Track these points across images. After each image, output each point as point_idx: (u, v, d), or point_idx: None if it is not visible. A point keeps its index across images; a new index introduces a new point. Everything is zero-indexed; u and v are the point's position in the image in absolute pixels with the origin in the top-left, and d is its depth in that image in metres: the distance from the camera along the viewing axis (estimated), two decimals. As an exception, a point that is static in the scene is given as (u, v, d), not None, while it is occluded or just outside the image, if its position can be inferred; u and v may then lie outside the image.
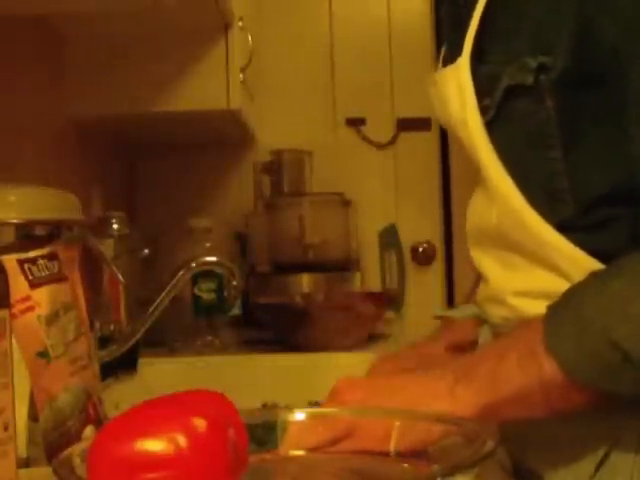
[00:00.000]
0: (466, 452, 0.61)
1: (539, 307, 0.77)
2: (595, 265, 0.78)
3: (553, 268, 0.81)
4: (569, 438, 0.82)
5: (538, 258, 0.82)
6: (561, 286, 0.78)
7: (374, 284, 2.23)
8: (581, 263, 0.78)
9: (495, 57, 0.82)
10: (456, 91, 0.86)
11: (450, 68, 0.88)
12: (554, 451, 0.83)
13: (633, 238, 0.77)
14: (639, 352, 0.70)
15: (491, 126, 0.83)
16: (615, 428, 0.79)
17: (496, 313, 0.89)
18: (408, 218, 2.29)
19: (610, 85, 0.76)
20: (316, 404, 0.97)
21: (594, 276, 0.76)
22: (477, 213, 0.91)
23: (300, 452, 0.71)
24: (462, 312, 1.07)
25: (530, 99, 0.79)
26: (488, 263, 0.90)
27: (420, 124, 2.30)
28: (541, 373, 0.73)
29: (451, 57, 0.89)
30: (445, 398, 0.75)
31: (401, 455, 0.69)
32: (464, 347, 1.03)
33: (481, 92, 0.83)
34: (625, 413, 0.78)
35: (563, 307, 0.75)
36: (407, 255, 2.29)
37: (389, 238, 2.25)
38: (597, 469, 0.79)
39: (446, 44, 0.95)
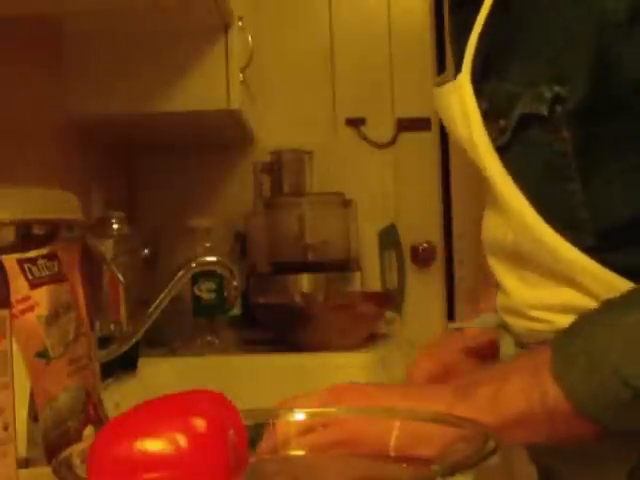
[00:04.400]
0: (466, 452, 0.61)
1: (560, 319, 0.76)
2: (617, 280, 0.77)
3: (573, 284, 0.79)
4: (598, 450, 0.79)
5: (557, 275, 0.80)
6: (582, 301, 0.77)
7: (374, 284, 2.23)
8: (602, 278, 0.77)
9: (514, 77, 0.80)
10: (460, 111, 0.84)
11: (451, 85, 0.87)
12: (583, 462, 0.82)
13: None
14: None
15: (507, 150, 0.81)
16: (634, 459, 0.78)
17: (518, 324, 0.88)
18: (408, 218, 2.29)
19: (629, 115, 0.74)
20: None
21: (607, 306, 0.74)
22: (492, 228, 0.90)
23: (300, 452, 0.71)
24: (483, 322, 1.04)
25: (545, 129, 0.77)
26: (506, 275, 0.89)
27: (420, 124, 2.30)
28: (545, 399, 0.72)
29: (455, 72, 0.88)
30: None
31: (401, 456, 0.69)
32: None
33: (497, 111, 0.81)
34: None
35: (573, 335, 0.74)
36: (407, 255, 2.29)
37: (389, 238, 2.25)
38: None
39: (452, 55, 0.93)
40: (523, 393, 0.73)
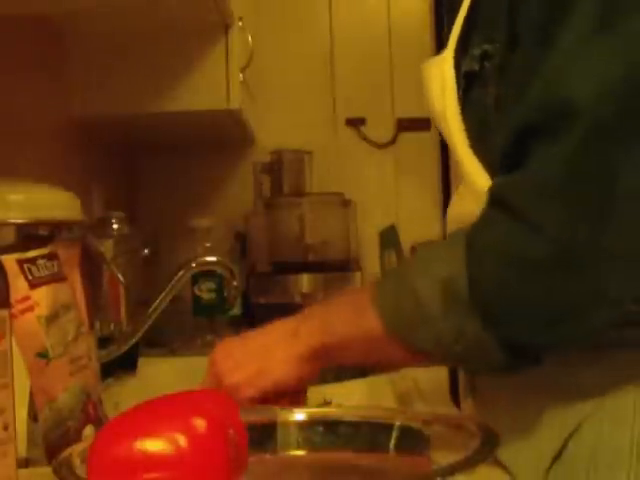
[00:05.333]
0: (466, 452, 0.61)
1: None
2: None
3: None
4: (528, 427, 0.83)
5: None
6: None
7: (374, 284, 2.22)
8: None
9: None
10: (439, 83, 0.88)
11: (434, 60, 0.91)
12: (513, 439, 0.84)
13: None
14: (435, 308, 0.76)
15: (462, 115, 0.86)
16: (572, 419, 0.80)
17: None
18: (408, 218, 2.29)
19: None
20: (325, 404, 0.99)
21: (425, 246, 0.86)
22: (456, 207, 0.94)
23: (300, 452, 0.71)
24: None
25: (479, 85, 0.83)
26: None
27: (420, 124, 2.29)
28: (364, 322, 0.82)
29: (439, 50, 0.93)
30: (290, 339, 0.87)
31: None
32: None
33: (457, 87, 0.87)
34: (583, 403, 0.79)
35: (391, 270, 0.85)
36: (407, 255, 2.29)
37: (389, 238, 2.24)
38: (554, 460, 0.80)
39: (442, 35, 0.98)
40: (347, 316, 0.84)
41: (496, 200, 0.75)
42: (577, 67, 0.71)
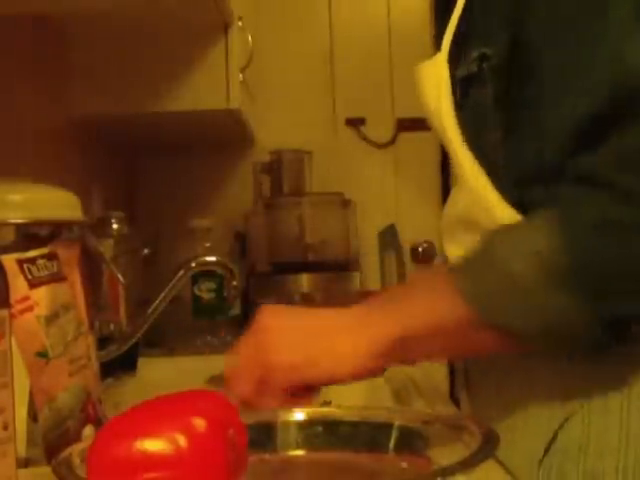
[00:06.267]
0: (466, 452, 0.61)
1: None
2: None
3: None
4: (521, 422, 0.83)
5: None
6: None
7: (374, 284, 2.23)
8: None
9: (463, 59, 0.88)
10: (434, 85, 0.90)
11: (429, 62, 0.93)
12: (508, 434, 0.84)
13: None
14: (538, 286, 0.73)
15: (460, 118, 0.88)
16: (562, 411, 0.80)
17: None
18: (408, 218, 2.29)
19: (535, 78, 0.80)
20: (324, 404, 0.98)
21: (503, 225, 0.80)
22: (451, 204, 0.95)
23: (300, 452, 0.71)
24: None
25: (478, 87, 0.85)
26: (455, 252, 0.92)
27: (420, 124, 2.27)
28: (450, 310, 0.76)
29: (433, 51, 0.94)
30: (356, 328, 0.78)
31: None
32: None
33: (454, 90, 0.88)
34: (572, 395, 0.80)
35: (471, 251, 0.79)
36: (407, 255, 2.29)
37: (389, 238, 2.25)
38: (546, 452, 0.81)
39: (433, 37, 0.98)
40: (428, 305, 0.78)
41: (583, 176, 0.75)
42: (636, 51, 0.74)
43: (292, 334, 0.80)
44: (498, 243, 0.76)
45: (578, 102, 0.76)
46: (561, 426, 0.80)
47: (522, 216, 0.81)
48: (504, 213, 0.82)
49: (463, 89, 0.87)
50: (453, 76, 0.88)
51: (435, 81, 0.90)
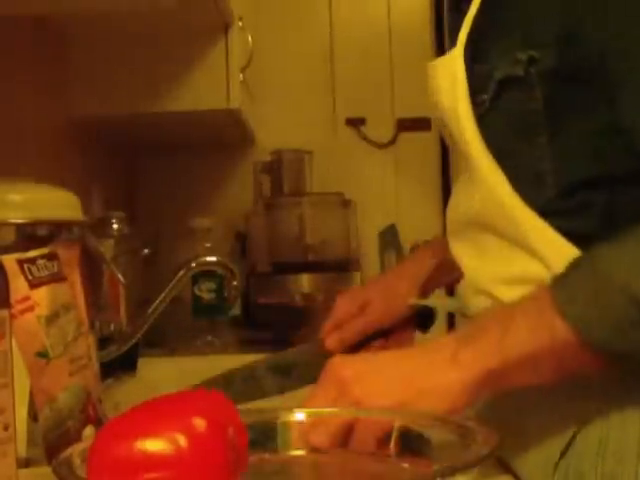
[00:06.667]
0: (466, 452, 0.61)
1: (517, 294, 0.78)
2: (573, 251, 0.79)
3: (531, 252, 0.81)
4: (535, 425, 0.82)
5: (517, 242, 0.83)
6: (538, 272, 0.79)
7: (374, 284, 2.22)
8: (559, 248, 0.79)
9: (490, 55, 0.85)
10: (449, 81, 0.88)
11: (444, 59, 0.90)
12: (520, 438, 0.83)
13: (606, 223, 0.79)
14: None
15: (484, 118, 0.85)
16: (580, 414, 0.79)
17: (476, 304, 0.90)
18: (408, 218, 2.29)
19: (597, 81, 0.78)
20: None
21: (602, 243, 0.75)
22: (458, 202, 0.93)
23: (300, 452, 0.71)
24: (440, 303, 1.08)
25: (521, 90, 0.81)
26: (465, 253, 0.91)
27: (420, 124, 2.30)
28: (552, 336, 0.72)
29: (449, 48, 0.92)
30: (448, 365, 0.74)
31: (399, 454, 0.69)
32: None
33: (477, 89, 0.85)
34: (590, 398, 0.79)
35: (572, 271, 0.74)
36: (407, 255, 2.29)
37: (389, 238, 2.25)
38: (562, 455, 0.80)
39: (447, 33, 0.96)
40: (529, 333, 0.73)
41: None
42: None
43: (379, 380, 0.76)
44: (613, 264, 0.72)
45: None
46: (579, 430, 0.79)
47: (565, 221, 0.79)
48: (524, 216, 0.81)
49: (496, 91, 0.83)
50: (470, 72, 0.86)
51: (451, 77, 0.87)
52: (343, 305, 1.19)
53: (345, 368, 0.77)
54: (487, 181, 0.84)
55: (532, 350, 0.73)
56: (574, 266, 0.75)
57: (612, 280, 0.71)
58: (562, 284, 0.74)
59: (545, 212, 0.81)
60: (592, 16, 0.76)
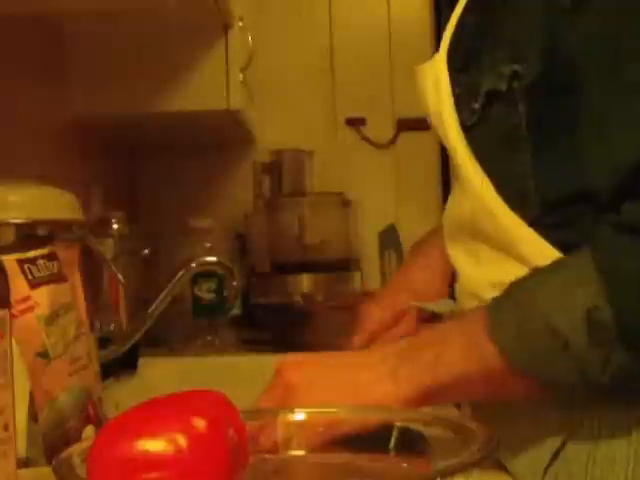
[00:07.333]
0: (466, 452, 0.61)
1: None
2: (557, 255, 0.79)
3: (522, 260, 0.81)
4: (528, 427, 0.82)
5: (507, 250, 0.83)
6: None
7: (374, 284, 2.22)
8: (548, 255, 0.79)
9: (478, 67, 0.85)
10: (433, 85, 0.88)
11: (427, 63, 0.91)
12: (514, 439, 0.83)
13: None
14: (579, 341, 0.71)
15: (474, 128, 0.85)
16: (572, 419, 0.79)
17: (471, 307, 0.90)
18: (408, 218, 2.29)
19: (579, 96, 0.77)
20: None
21: (537, 270, 0.77)
22: (453, 207, 0.93)
23: (300, 452, 0.71)
24: (442, 306, 1.07)
25: (505, 104, 0.81)
26: (460, 257, 0.91)
27: (420, 124, 2.27)
28: (482, 359, 0.75)
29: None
30: (388, 380, 0.78)
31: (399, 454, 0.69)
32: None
33: (471, 96, 0.85)
34: (582, 405, 0.79)
35: (506, 296, 0.77)
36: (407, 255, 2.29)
37: (389, 238, 2.25)
38: (552, 459, 0.80)
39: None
40: (461, 354, 0.77)
41: (630, 226, 0.73)
42: None
43: (324, 390, 0.80)
44: (535, 288, 0.75)
45: (628, 146, 0.73)
46: (570, 435, 0.79)
47: (553, 233, 0.79)
48: (513, 224, 0.81)
49: (484, 102, 0.83)
50: (452, 78, 0.86)
51: (434, 81, 0.88)
52: (374, 315, 1.15)
53: (294, 374, 0.81)
54: (474, 187, 0.84)
55: (464, 371, 0.76)
56: (508, 291, 0.77)
57: (535, 309, 0.73)
58: (497, 307, 0.77)
59: (533, 224, 0.81)
60: (573, 31, 0.76)
